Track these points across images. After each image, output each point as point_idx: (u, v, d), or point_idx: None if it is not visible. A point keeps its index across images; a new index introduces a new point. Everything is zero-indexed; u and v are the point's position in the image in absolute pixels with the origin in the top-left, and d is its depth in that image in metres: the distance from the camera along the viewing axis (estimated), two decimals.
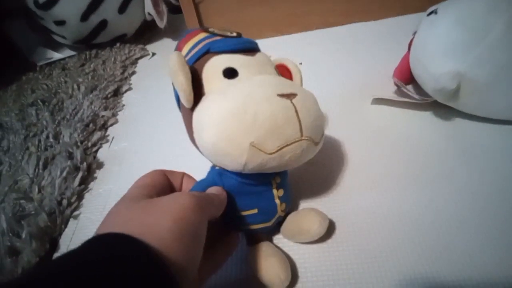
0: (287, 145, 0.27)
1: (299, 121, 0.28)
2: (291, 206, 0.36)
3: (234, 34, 0.33)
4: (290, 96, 0.28)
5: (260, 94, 0.27)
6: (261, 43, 0.35)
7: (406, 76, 0.48)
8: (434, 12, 0.44)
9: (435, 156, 0.41)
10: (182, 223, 0.23)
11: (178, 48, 0.34)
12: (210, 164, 0.33)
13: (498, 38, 0.39)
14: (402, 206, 0.36)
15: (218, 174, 0.31)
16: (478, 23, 0.40)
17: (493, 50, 0.39)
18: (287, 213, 0.35)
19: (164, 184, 0.29)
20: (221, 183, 0.31)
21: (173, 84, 0.31)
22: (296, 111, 0.28)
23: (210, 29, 0.33)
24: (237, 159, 0.27)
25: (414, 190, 0.37)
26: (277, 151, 0.27)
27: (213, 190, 0.30)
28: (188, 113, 0.30)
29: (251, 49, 0.32)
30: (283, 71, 0.35)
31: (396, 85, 0.50)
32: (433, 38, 0.42)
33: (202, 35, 0.32)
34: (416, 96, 0.46)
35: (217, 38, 0.32)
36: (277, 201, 0.32)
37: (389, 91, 0.51)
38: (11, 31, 0.86)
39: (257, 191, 0.32)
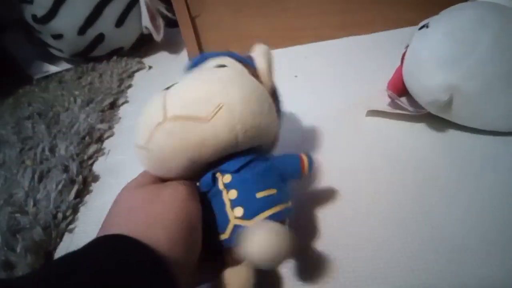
0: (152, 128, 0.27)
1: (164, 106, 0.27)
2: (272, 211, 0.28)
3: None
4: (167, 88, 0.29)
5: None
6: None
7: (399, 88, 0.49)
8: (426, 26, 0.45)
9: (430, 167, 0.41)
10: (183, 214, 0.24)
11: None
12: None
13: (487, 50, 0.40)
14: (397, 217, 0.36)
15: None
16: (468, 36, 0.41)
17: (483, 62, 0.40)
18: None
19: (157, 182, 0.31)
20: None
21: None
22: (164, 98, 0.27)
23: None
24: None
25: (409, 201, 0.38)
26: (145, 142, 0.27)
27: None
28: None
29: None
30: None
31: (390, 97, 0.50)
32: (424, 51, 0.43)
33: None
34: (410, 108, 0.47)
35: None
36: (226, 203, 0.27)
37: (383, 103, 0.52)
38: (9, 44, 0.87)
39: (209, 195, 0.29)
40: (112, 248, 0.21)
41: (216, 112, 0.26)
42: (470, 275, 0.31)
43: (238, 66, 0.33)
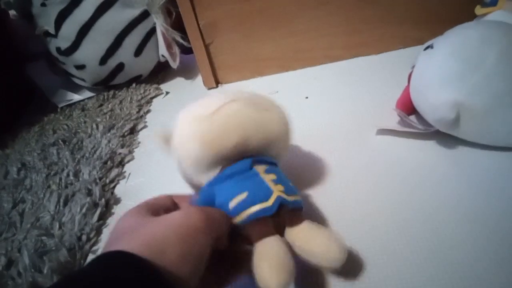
0: (219, 108, 0.34)
1: (234, 96, 0.36)
2: (299, 198, 0.33)
3: None
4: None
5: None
6: (268, 79, 0.39)
7: (408, 107, 0.50)
8: (430, 46, 0.47)
9: (440, 184, 0.42)
10: (189, 241, 0.24)
11: None
12: None
13: (492, 67, 0.40)
14: (408, 234, 0.37)
15: (206, 186, 0.33)
16: (473, 53, 0.42)
17: (488, 79, 0.41)
18: (294, 208, 0.32)
19: (170, 206, 0.31)
20: (212, 191, 0.33)
21: None
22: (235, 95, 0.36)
23: None
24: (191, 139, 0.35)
25: (419, 218, 0.38)
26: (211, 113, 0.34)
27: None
28: None
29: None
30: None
31: (399, 116, 0.51)
32: (430, 70, 0.45)
33: None
34: (419, 126, 0.48)
35: None
36: (269, 182, 0.32)
37: (392, 121, 0.52)
38: (34, 74, 0.92)
39: (243, 176, 0.33)
40: (110, 263, 0.21)
41: (274, 107, 0.37)
42: None
43: None
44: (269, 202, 0.30)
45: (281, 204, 0.30)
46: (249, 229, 0.31)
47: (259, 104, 0.36)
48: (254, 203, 0.30)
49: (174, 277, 0.22)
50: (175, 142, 0.37)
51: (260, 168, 0.33)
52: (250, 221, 0.30)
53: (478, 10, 0.54)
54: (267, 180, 0.32)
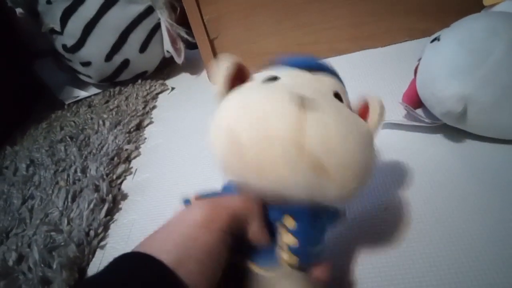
0: (268, 137, 0.22)
1: (301, 127, 0.22)
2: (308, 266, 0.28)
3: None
4: (306, 105, 0.23)
5: (271, 91, 0.25)
6: None
7: (414, 100, 0.50)
8: (437, 39, 0.46)
9: (447, 177, 0.41)
10: (189, 240, 0.23)
11: None
12: None
13: (499, 59, 0.40)
14: (415, 228, 0.37)
15: (234, 187, 0.28)
16: (480, 46, 0.41)
17: (495, 71, 0.40)
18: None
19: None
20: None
21: None
22: (302, 119, 0.22)
23: None
24: (215, 142, 0.25)
25: (427, 212, 0.38)
26: (253, 141, 0.23)
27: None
28: None
29: (316, 68, 0.29)
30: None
31: (405, 109, 0.51)
32: (437, 63, 0.44)
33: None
34: (426, 120, 0.47)
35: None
36: (283, 244, 0.26)
37: (399, 115, 0.52)
38: (41, 71, 0.93)
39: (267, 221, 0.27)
40: (127, 264, 0.22)
41: (342, 176, 0.24)
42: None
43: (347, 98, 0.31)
44: (267, 271, 0.27)
45: None
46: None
47: (328, 154, 0.23)
48: (253, 260, 0.27)
49: (180, 274, 0.21)
50: (219, 122, 0.26)
51: (286, 224, 0.26)
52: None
53: (486, 0, 0.53)
54: (283, 242, 0.26)
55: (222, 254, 0.23)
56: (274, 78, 0.28)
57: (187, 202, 0.28)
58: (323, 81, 0.29)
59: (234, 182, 0.27)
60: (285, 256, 0.26)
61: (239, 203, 0.26)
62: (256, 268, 0.27)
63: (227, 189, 0.29)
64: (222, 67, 0.28)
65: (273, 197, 0.25)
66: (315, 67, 0.29)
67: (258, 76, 0.30)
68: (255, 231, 0.26)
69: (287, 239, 0.26)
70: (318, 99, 0.24)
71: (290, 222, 0.26)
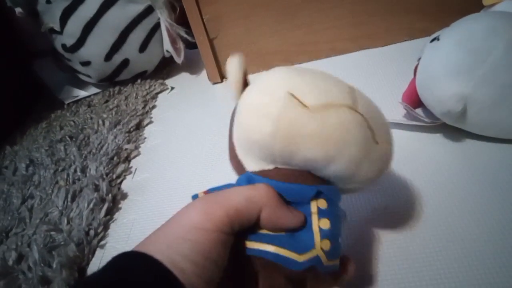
0: (333, 105, 0.23)
1: (354, 95, 0.25)
2: (337, 263, 0.26)
3: None
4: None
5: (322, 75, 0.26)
6: None
7: (414, 100, 0.50)
8: (437, 38, 0.46)
9: (447, 177, 0.41)
10: (184, 241, 0.22)
11: None
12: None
13: (499, 59, 0.40)
14: (414, 228, 0.37)
15: (246, 179, 0.26)
16: (480, 45, 0.41)
17: (495, 70, 0.40)
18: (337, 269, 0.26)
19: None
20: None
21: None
22: (355, 92, 0.25)
23: None
24: (270, 110, 0.23)
25: (427, 211, 0.38)
26: (318, 105, 0.23)
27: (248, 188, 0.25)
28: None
29: None
30: None
31: (405, 109, 0.51)
32: (436, 62, 0.44)
33: None
34: (426, 119, 0.47)
35: None
36: (316, 232, 0.24)
37: (398, 115, 0.52)
38: (40, 71, 0.93)
39: (294, 206, 0.25)
40: (123, 263, 0.22)
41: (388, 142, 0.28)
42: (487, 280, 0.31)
43: None
44: (301, 257, 0.24)
45: (312, 266, 0.24)
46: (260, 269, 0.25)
47: (377, 128, 0.25)
48: (284, 246, 0.24)
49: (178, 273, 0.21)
50: (250, 104, 0.25)
51: (317, 204, 0.25)
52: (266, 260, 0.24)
53: (486, 0, 0.53)
54: (315, 227, 0.24)
55: (220, 254, 0.23)
56: None
57: (195, 197, 0.27)
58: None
59: (275, 156, 0.25)
60: (319, 242, 0.24)
61: (243, 196, 0.24)
62: (287, 252, 0.24)
63: (242, 181, 0.27)
64: (236, 62, 0.28)
65: (315, 170, 0.25)
66: None
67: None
68: (267, 216, 0.24)
69: (320, 222, 0.25)
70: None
71: (322, 203, 0.25)
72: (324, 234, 0.24)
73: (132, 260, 0.22)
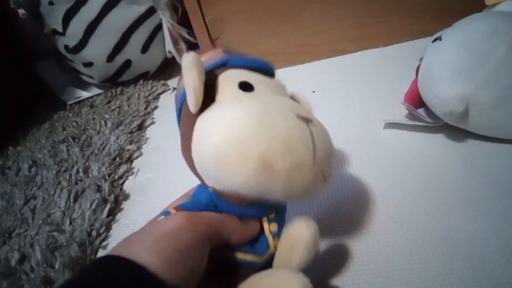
0: (299, 165, 0.25)
1: (314, 145, 0.26)
2: None
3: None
4: (306, 120, 0.26)
5: (278, 108, 0.26)
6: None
7: (416, 100, 0.50)
8: (439, 38, 0.46)
9: (449, 177, 0.41)
10: (165, 241, 0.24)
11: None
12: None
13: (501, 60, 0.40)
14: (417, 229, 0.37)
15: (209, 196, 0.29)
16: (482, 46, 0.41)
17: (497, 71, 0.40)
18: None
19: None
20: (214, 206, 0.29)
21: (175, 96, 0.33)
22: (312, 135, 0.26)
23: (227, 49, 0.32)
24: (240, 170, 0.24)
25: (429, 211, 0.38)
26: (286, 169, 0.24)
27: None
28: (190, 120, 0.27)
29: (268, 73, 0.32)
30: None
31: (407, 109, 0.51)
32: (438, 63, 0.44)
33: (219, 51, 0.32)
34: (428, 120, 0.47)
35: (235, 55, 0.31)
36: (268, 235, 0.30)
37: (400, 115, 0.52)
38: (43, 72, 0.93)
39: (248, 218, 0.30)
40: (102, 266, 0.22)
41: (330, 176, 0.29)
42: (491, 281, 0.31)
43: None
44: (261, 258, 0.30)
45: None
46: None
47: (326, 166, 0.28)
48: (247, 251, 0.29)
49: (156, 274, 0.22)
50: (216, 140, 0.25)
51: (271, 215, 0.31)
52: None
53: (488, 0, 0.53)
54: (266, 230, 0.30)
55: (202, 254, 0.25)
56: (249, 86, 0.29)
57: (166, 214, 0.29)
58: (280, 85, 0.32)
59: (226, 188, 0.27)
60: (272, 242, 0.30)
61: (219, 219, 0.28)
62: (250, 256, 0.29)
63: (199, 193, 0.32)
64: (194, 64, 0.26)
65: (274, 201, 0.28)
66: (262, 67, 0.32)
67: (227, 79, 0.29)
68: (237, 239, 0.29)
69: (271, 226, 0.30)
70: (304, 110, 0.28)
71: (271, 214, 0.31)
72: (275, 235, 0.30)
73: (116, 266, 0.22)
